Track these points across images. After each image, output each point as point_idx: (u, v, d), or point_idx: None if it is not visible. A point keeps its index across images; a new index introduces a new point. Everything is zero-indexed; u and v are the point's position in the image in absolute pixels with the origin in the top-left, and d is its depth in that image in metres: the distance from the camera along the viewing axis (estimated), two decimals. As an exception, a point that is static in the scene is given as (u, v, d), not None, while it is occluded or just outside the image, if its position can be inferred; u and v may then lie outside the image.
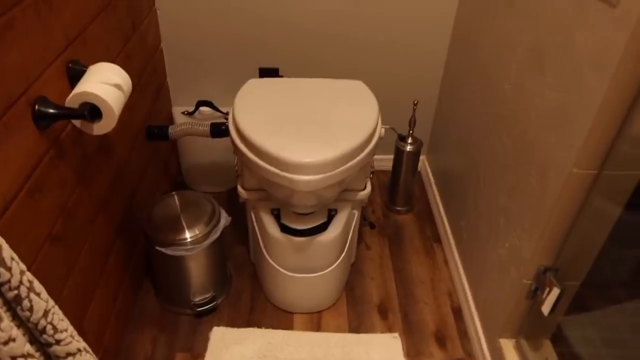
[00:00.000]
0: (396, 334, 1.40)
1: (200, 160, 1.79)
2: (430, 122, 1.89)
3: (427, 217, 1.82)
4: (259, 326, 1.41)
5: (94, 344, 1.14)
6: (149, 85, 1.55)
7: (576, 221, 0.96)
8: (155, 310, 1.44)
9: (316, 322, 1.44)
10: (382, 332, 1.42)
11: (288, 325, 1.42)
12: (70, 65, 0.99)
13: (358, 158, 1.21)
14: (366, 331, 1.42)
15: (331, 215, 1.34)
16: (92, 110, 0.91)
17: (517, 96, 1.16)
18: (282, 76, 1.74)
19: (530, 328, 1.17)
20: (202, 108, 1.72)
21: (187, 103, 1.78)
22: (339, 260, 1.38)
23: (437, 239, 1.73)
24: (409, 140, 1.69)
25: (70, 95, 0.90)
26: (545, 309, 1.06)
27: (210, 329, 1.38)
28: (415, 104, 1.62)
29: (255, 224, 1.42)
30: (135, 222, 1.42)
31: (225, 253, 1.54)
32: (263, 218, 1.35)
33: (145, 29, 1.49)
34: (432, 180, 1.88)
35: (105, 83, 0.93)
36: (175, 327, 1.40)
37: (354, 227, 1.45)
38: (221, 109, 1.72)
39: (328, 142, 1.18)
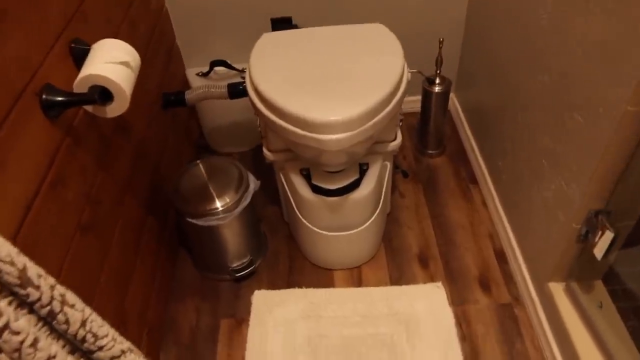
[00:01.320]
0: (439, 283, 1.37)
1: (221, 121, 1.74)
2: (456, 59, 1.77)
3: (460, 158, 1.75)
4: (299, 286, 1.40)
5: (138, 323, 1.15)
6: (159, 51, 1.48)
7: (631, 162, 0.88)
8: (194, 280, 1.45)
9: (357, 277, 1.42)
10: (424, 282, 1.40)
11: (328, 283, 1.41)
12: (72, 45, 0.93)
13: (386, 110, 1.14)
14: (408, 282, 1.40)
15: (363, 170, 1.28)
16: (102, 93, 0.86)
17: (556, 27, 1.05)
18: (296, 25, 1.63)
19: (580, 271, 1.12)
20: (216, 68, 1.65)
21: (200, 64, 1.71)
22: (374, 215, 1.34)
23: (473, 180, 1.67)
24: (437, 81, 1.59)
25: (77, 79, 0.85)
26: (598, 252, 1.01)
27: (252, 292, 1.38)
28: (441, 42, 1.51)
29: (285, 186, 1.38)
30: (163, 196, 1.40)
31: (257, 215, 1.52)
32: (293, 179, 1.31)
33: (146, -10, 1.41)
34: (463, 119, 1.79)
35: (112, 62, 0.87)
36: (216, 294, 1.41)
37: (387, 179, 1.39)
38: (236, 66, 1.64)
39: (354, 97, 1.11)
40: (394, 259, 1.45)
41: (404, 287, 1.37)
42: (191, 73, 1.69)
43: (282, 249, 1.52)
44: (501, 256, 1.44)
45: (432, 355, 1.23)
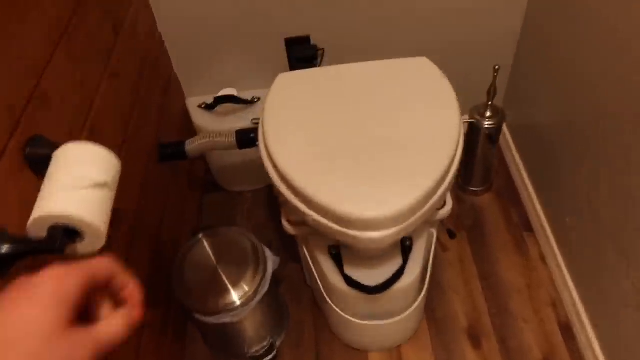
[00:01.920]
0: (495, 372, 1.15)
1: (231, 158, 1.49)
2: (504, 81, 1.49)
3: (511, 197, 1.49)
4: (329, 370, 1.19)
5: None
6: (153, 88, 1.21)
7: None
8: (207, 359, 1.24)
9: (396, 359, 1.21)
10: (477, 366, 1.18)
11: (363, 367, 1.20)
12: (28, 149, 0.69)
13: (444, 186, 0.89)
14: (457, 367, 1.18)
15: (406, 247, 1.04)
16: (67, 234, 0.62)
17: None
18: (315, 46, 1.35)
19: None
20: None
21: (203, 92, 1.44)
22: (418, 301, 1.10)
23: (528, 227, 1.42)
24: (488, 114, 1.32)
25: (31, 220, 0.60)
26: None
27: (273, 380, 1.18)
28: (496, 70, 1.23)
29: (311, 264, 1.14)
30: (166, 264, 1.17)
31: (277, 289, 1.29)
32: (319, 259, 1.08)
33: (131, 20, 1.13)
34: (514, 148, 1.52)
35: (80, 187, 0.63)
36: (232, 382, 1.20)
37: (433, 250, 1.15)
38: (245, 95, 1.38)
39: (403, 178, 0.85)
40: (439, 335, 1.23)
41: (453, 376, 1.16)
42: (193, 104, 1.43)
43: (306, 317, 1.30)
44: (567, 331, 1.21)
45: None
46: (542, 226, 1.34)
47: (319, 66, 1.36)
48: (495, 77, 1.25)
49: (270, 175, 0.95)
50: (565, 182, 1.20)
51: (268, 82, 1.09)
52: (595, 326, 1.13)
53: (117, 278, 0.44)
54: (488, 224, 1.44)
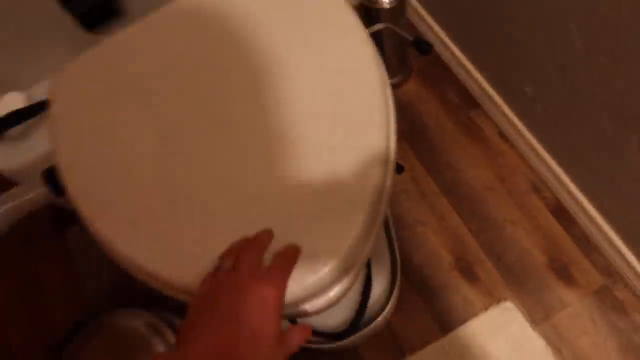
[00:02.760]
0: (507, 303, 0.94)
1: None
2: None
3: (439, 75, 1.16)
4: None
5: None
6: None
7: None
8: None
9: (389, 339, 0.96)
10: (482, 303, 0.96)
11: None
12: None
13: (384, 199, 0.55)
14: (461, 316, 0.95)
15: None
16: None
17: None
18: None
19: None
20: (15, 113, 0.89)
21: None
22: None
23: (472, 103, 1.12)
24: (384, -13, 0.93)
25: None
26: None
27: None
28: None
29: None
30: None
31: None
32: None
33: None
34: (426, 15, 1.15)
35: None
36: None
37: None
38: (37, 97, 0.90)
39: (327, 217, 0.51)
40: (425, 288, 0.98)
41: (459, 332, 0.93)
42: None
43: None
44: (561, 213, 1.00)
45: None
46: (489, 97, 1.06)
47: (125, 19, 0.88)
48: None
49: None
50: (509, 41, 0.88)
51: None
52: (592, 200, 0.91)
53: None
54: (425, 117, 1.13)
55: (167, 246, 0.52)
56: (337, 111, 0.56)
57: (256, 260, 0.44)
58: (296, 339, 0.43)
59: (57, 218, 1.14)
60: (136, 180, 0.56)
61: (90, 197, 0.56)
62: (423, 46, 0.91)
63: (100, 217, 0.55)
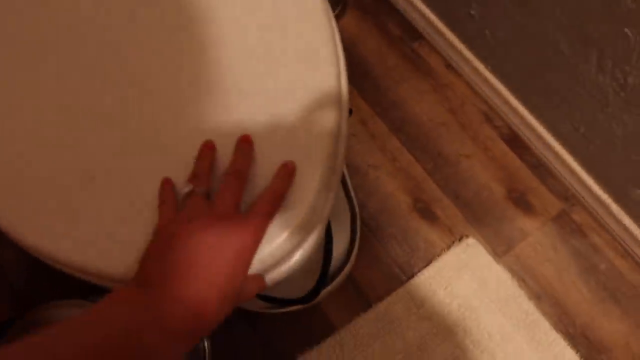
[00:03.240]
0: (469, 240, 0.91)
1: None
2: None
3: (377, 6, 1.08)
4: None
5: None
6: None
7: None
8: None
9: (353, 291, 0.92)
10: (443, 241, 0.92)
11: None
12: None
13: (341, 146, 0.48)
14: (424, 257, 0.92)
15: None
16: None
17: None
18: None
19: None
20: None
21: None
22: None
23: (414, 34, 1.05)
24: None
25: None
26: None
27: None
28: None
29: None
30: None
31: None
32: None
33: None
34: None
35: None
36: None
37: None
38: None
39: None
40: (386, 234, 0.94)
41: (423, 275, 0.90)
42: None
43: None
44: (515, 142, 0.97)
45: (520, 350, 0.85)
46: (433, 26, 0.99)
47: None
48: None
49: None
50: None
51: None
52: (546, 125, 0.88)
53: None
54: (366, 53, 1.05)
55: (89, 231, 0.43)
56: (276, 48, 0.47)
57: (237, 198, 0.41)
58: (251, 290, 0.41)
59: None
60: (39, 156, 0.45)
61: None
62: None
63: (1, 209, 0.45)
